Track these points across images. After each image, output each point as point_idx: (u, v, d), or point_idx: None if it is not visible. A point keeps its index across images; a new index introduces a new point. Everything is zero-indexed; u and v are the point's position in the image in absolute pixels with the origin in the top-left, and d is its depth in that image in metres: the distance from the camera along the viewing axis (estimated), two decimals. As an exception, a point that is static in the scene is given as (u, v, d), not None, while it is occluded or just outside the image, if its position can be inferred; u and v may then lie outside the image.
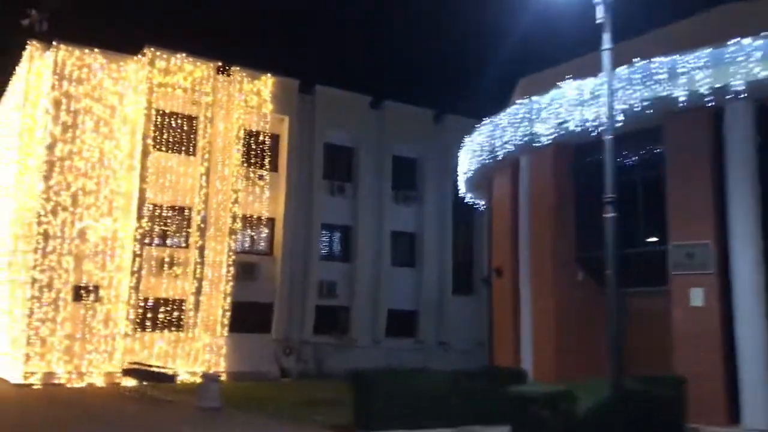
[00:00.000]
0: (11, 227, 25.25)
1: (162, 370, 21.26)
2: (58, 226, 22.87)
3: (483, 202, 25.44)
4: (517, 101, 19.60)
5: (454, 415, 13.82)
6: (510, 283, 20.30)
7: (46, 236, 22.57)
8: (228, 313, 25.20)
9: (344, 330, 28.39)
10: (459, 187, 25.17)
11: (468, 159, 22.43)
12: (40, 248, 22.45)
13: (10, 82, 27.86)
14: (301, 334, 27.10)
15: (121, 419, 15.93)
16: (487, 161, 20.95)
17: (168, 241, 24.99)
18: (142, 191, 24.01)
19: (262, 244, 27.24)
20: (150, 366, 21.92)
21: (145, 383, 20.89)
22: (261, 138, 27.15)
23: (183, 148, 25.46)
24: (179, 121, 25.52)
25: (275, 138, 27.58)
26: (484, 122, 21.17)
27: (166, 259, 24.52)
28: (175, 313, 24.58)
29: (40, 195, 22.73)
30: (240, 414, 16.32)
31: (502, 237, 21.45)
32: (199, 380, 19.45)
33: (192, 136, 25.70)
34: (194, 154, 25.52)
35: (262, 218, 26.94)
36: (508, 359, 19.75)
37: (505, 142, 19.69)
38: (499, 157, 20.17)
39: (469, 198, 25.66)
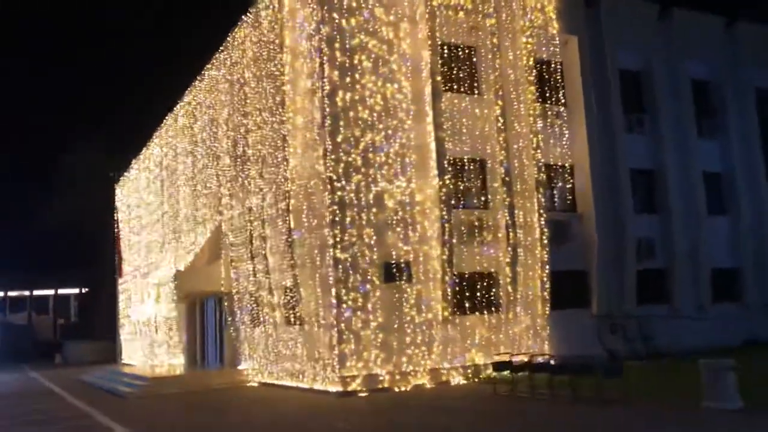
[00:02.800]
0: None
1: (538, 360, 16.32)
2: (353, 193, 18.28)
3: None
4: None
5: None
6: None
7: (341, 205, 18.01)
8: (547, 286, 20.14)
9: (668, 297, 22.88)
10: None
11: None
12: (337, 220, 17.91)
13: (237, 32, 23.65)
14: (621, 306, 21.75)
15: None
16: None
17: (472, 202, 20.09)
18: (439, 142, 19.14)
19: (567, 198, 22.01)
20: (522, 355, 17.02)
21: (513, 377, 15.94)
22: (551, 66, 21.87)
23: (471, 86, 20.47)
24: (464, 53, 20.52)
25: (561, 66, 22.23)
26: None
27: (475, 224, 19.62)
28: (492, 290, 19.72)
29: (327, 155, 18.17)
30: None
31: None
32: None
33: (478, 70, 20.65)
34: (484, 93, 20.47)
35: (565, 166, 21.70)
36: None
37: None
38: None
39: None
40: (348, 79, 18.56)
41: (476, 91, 20.41)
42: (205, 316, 29.25)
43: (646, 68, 23.82)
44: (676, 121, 23.86)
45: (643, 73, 23.87)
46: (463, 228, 19.33)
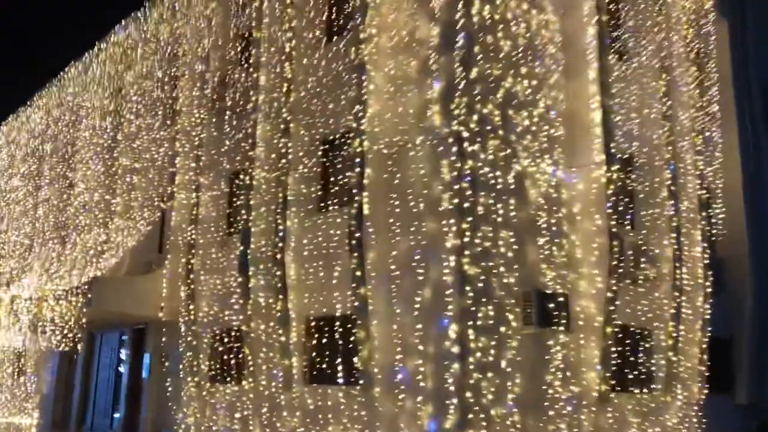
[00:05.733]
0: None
1: None
2: (489, 166, 10.60)
3: None
4: None
5: None
6: None
7: (473, 183, 10.27)
8: (706, 357, 13.36)
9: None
10: None
11: None
12: (466, 208, 10.16)
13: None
14: None
15: None
16: None
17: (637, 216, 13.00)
18: (606, 113, 11.93)
19: (713, 232, 15.53)
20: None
21: None
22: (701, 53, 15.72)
23: (633, 49, 13.72)
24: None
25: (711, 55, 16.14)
26: None
27: (637, 251, 12.51)
28: (652, 355, 12.56)
29: (454, 96, 10.51)
30: None
31: None
32: None
33: (638, 28, 14.00)
34: (645, 60, 13.79)
35: (713, 188, 15.33)
36: None
37: None
38: None
39: None
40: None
41: (635, 57, 13.65)
42: (96, 354, 19.65)
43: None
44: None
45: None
46: (628, 253, 12.19)
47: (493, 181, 10.58)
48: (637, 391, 12.13)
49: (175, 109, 16.97)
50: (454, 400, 9.60)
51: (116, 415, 18.23)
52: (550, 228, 11.18)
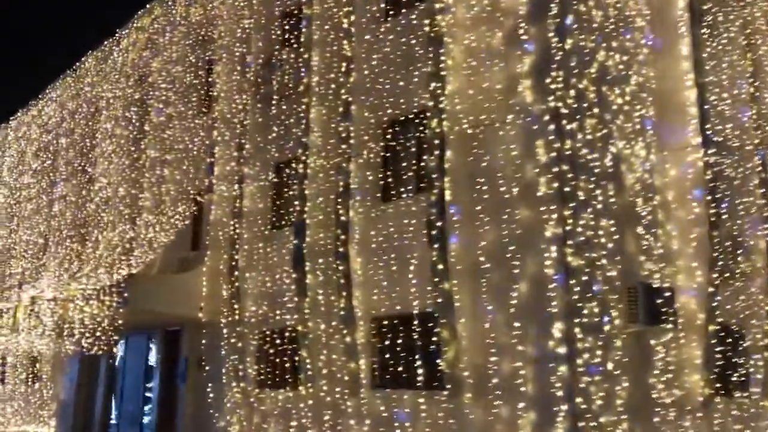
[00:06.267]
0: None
1: None
2: (587, 147, 9.56)
3: None
4: None
5: None
6: None
7: (572, 164, 9.26)
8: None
9: None
10: None
11: None
12: (567, 193, 9.16)
13: None
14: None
15: None
16: None
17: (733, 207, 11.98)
18: (701, 91, 11.01)
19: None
20: None
21: None
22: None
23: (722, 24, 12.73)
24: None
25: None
26: None
27: (734, 243, 11.52)
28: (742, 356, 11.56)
29: (551, 69, 9.49)
30: None
31: None
32: None
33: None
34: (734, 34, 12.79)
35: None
36: None
37: None
38: None
39: None
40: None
41: (724, 33, 12.59)
42: (120, 360, 18.58)
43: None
44: None
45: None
46: (726, 245, 11.17)
47: (592, 164, 9.56)
48: (737, 395, 11.12)
49: (212, 96, 15.89)
50: (563, 407, 8.56)
51: (144, 422, 17.14)
52: (646, 216, 10.17)
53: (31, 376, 22.43)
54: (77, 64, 23.16)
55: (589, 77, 9.89)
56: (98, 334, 14.24)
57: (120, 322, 13.97)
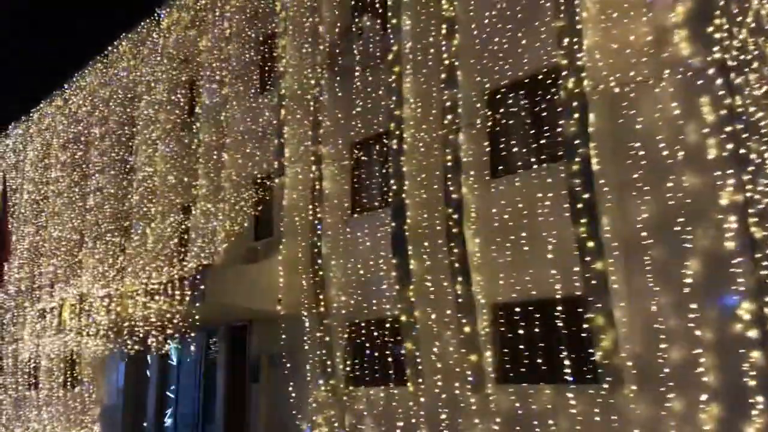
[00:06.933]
0: None
1: None
2: (755, 106, 8.52)
3: None
4: None
5: None
6: None
7: (746, 122, 8.19)
8: None
9: None
10: None
11: None
12: (745, 153, 8.06)
13: None
14: None
15: None
16: None
17: None
18: None
19: None
20: None
21: None
22: None
23: None
24: None
25: None
26: None
27: None
28: None
29: (714, 16, 8.38)
30: None
31: None
32: None
33: None
34: None
35: None
36: None
37: None
38: None
39: None
40: None
41: None
42: (176, 358, 17.48)
43: None
44: None
45: None
46: None
47: (761, 124, 8.44)
48: None
49: (276, 72, 14.69)
50: (759, 398, 7.46)
51: (208, 426, 16.03)
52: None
53: (69, 379, 21.28)
54: (108, 48, 21.89)
55: (747, 27, 8.77)
56: (169, 331, 13.08)
57: (197, 316, 12.82)
